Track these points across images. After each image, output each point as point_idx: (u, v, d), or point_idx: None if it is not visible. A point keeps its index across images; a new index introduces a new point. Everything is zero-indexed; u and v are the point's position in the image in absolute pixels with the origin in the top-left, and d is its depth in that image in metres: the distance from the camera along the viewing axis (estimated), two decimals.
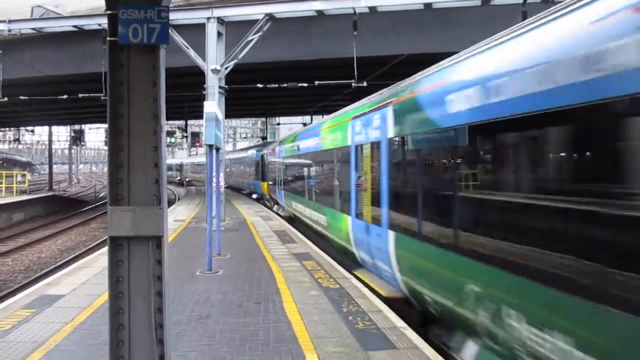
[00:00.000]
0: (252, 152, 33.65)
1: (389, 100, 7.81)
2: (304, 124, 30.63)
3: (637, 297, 2.99)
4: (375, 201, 8.28)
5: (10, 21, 19.35)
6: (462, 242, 5.25)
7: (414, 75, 7.38)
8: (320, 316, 6.87)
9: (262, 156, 28.46)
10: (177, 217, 19.98)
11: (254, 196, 32.51)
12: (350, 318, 6.76)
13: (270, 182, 25.58)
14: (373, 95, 9.58)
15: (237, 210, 23.16)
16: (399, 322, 6.57)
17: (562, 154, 4.07)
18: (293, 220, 18.71)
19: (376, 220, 8.24)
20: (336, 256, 11.44)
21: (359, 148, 9.49)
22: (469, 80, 5.24)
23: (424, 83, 6.59)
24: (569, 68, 3.65)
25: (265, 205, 26.87)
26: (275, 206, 24.51)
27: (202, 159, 49.57)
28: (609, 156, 3.44)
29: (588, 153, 3.76)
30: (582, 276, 3.50)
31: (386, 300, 7.63)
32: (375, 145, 8.38)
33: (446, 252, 5.60)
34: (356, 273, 9.57)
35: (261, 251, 12.18)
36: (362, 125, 9.27)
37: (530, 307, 4.10)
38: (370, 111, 8.80)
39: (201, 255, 10.44)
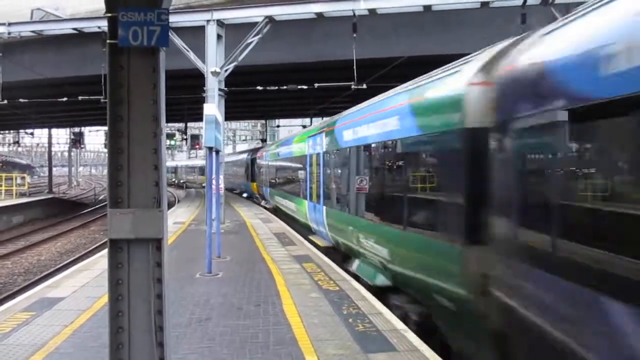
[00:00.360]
0: (242, 157, 36.90)
1: (322, 129, 13.37)
2: (304, 126, 31.03)
3: (399, 220, 7.25)
4: (317, 189, 13.53)
5: (10, 24, 19.37)
6: (349, 206, 10.30)
7: (340, 113, 12.59)
8: (320, 318, 6.86)
9: (252, 160, 32.37)
10: (177, 219, 19.97)
11: (244, 195, 35.70)
12: (350, 320, 6.75)
13: (258, 182, 30.27)
14: (322, 122, 15.66)
15: (236, 212, 23.15)
16: (399, 325, 6.57)
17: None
18: (277, 211, 23.02)
19: (317, 201, 13.45)
20: (335, 258, 11.45)
21: (311, 156, 14.59)
22: (349, 124, 10.55)
23: (337, 121, 11.98)
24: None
25: (254, 202, 30.56)
26: (263, 201, 28.57)
27: (195, 162, 58.49)
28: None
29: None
30: (390, 217, 7.81)
31: (323, 249, 12.66)
32: (317, 155, 13.70)
33: (343, 213, 10.80)
34: (311, 238, 14.31)
35: (261, 253, 12.17)
36: (312, 142, 14.53)
37: (373, 236, 8.58)
38: (315, 134, 14.25)
39: (201, 257, 10.44)
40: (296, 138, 17.93)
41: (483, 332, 5.01)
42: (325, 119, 14.21)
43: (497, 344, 4.74)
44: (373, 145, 8.89)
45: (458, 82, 5.67)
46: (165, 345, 3.35)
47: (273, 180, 23.44)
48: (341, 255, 11.38)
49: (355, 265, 9.82)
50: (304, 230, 15.79)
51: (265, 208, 25.62)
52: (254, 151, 33.59)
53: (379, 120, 8.31)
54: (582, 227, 3.57)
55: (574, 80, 3.62)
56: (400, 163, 7.53)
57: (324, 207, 12.56)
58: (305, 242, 14.12)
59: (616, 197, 3.34)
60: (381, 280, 8.23)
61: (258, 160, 29.84)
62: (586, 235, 3.49)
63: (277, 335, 6.20)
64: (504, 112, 4.62)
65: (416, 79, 7.47)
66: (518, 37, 5.28)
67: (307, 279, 9.31)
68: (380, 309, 7.33)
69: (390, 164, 8.15)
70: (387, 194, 8.25)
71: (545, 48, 4.22)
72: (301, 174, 16.03)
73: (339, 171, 11.47)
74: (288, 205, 18.92)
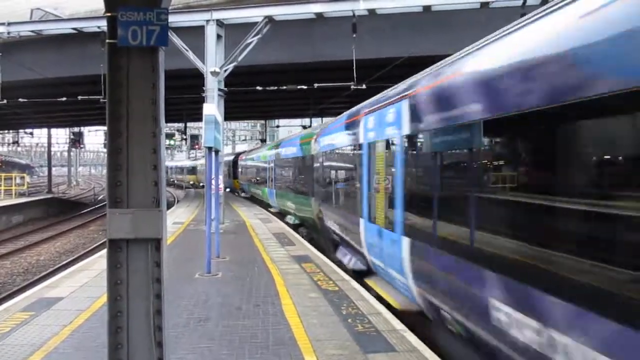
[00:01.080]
0: (226, 159, 41.47)
1: (271, 147, 25.47)
2: (304, 127, 31.32)
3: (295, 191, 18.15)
4: (274, 181, 23.07)
5: (9, 24, 19.35)
6: (298, 189, 17.77)
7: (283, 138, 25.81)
8: (320, 319, 6.86)
9: (235, 161, 41.14)
10: (176, 219, 19.96)
11: (227, 190, 40.36)
12: (349, 320, 6.75)
13: (239, 179, 39.75)
14: (275, 140, 31.06)
15: (236, 212, 23.15)
16: (399, 325, 6.57)
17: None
18: (253, 199, 32.41)
19: (271, 186, 24.02)
20: (334, 259, 11.47)
21: (269, 162, 24.63)
22: (283, 146, 21.72)
23: (280, 144, 23.32)
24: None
25: (236, 195, 39.42)
26: (242, 193, 38.47)
27: (184, 162, 66.44)
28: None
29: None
30: (296, 190, 18.06)
31: (292, 226, 18.03)
32: (272, 162, 24.13)
33: (285, 193, 20.57)
34: (270, 210, 23.86)
35: (260, 253, 12.17)
36: (268, 154, 25.44)
37: (290, 200, 19.13)
38: (269, 149, 26.00)
39: (200, 257, 10.43)
40: (262, 152, 28.72)
41: (318, 226, 14.16)
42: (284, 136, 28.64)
43: (321, 230, 13.72)
44: (287, 159, 20.30)
45: (313, 136, 15.34)
46: (164, 345, 3.35)
47: (250, 178, 33.66)
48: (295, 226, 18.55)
49: (287, 217, 20.12)
50: (265, 204, 26.82)
51: (246, 199, 34.60)
52: (236, 155, 43.01)
53: (285, 147, 20.88)
54: (330, 184, 12.29)
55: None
56: (294, 168, 18.93)
57: (275, 190, 23.18)
58: (305, 243, 14.12)
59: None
60: (294, 220, 18.80)
61: (240, 162, 39.17)
62: (327, 183, 12.59)
63: (276, 336, 6.20)
64: (319, 149, 13.79)
65: (297, 133, 19.76)
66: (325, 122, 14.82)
67: (306, 279, 9.31)
68: (380, 309, 7.33)
69: (291, 169, 19.74)
70: (294, 181, 18.88)
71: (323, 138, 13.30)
72: (265, 173, 26.08)
73: (281, 171, 22.10)
74: (259, 192, 29.23)
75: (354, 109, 10.54)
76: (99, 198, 44.18)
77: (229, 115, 29.89)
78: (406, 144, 6.72)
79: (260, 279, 9.41)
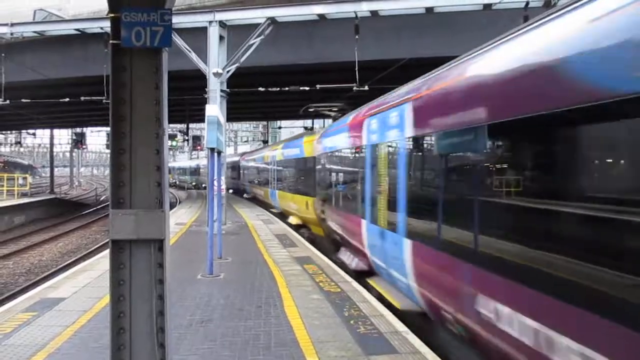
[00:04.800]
0: (231, 159, 44.78)
1: (274, 147, 27.48)
2: (305, 128, 31.50)
3: (294, 191, 19.41)
4: (272, 181, 24.54)
5: (12, 24, 19.40)
6: (281, 187, 21.77)
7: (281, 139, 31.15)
8: (322, 320, 6.85)
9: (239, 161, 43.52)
10: (178, 220, 19.97)
11: (230, 191, 43.84)
12: (351, 322, 6.74)
13: (241, 180, 41.81)
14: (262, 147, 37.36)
15: (238, 213, 23.15)
16: (401, 327, 6.55)
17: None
18: (254, 199, 33.36)
19: (273, 187, 24.09)
20: (337, 260, 11.43)
21: (261, 164, 29.10)
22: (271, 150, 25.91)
23: (263, 148, 32.95)
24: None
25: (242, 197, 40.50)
26: (244, 195, 39.92)
27: (185, 163, 67.96)
28: None
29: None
30: (290, 189, 20.13)
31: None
32: (261, 164, 28.95)
33: (278, 190, 22.74)
34: (271, 210, 24.63)
35: (262, 255, 12.16)
36: (254, 158, 33.32)
37: (292, 201, 19.47)
38: (256, 156, 32.35)
39: (202, 258, 10.43)
40: (264, 153, 29.66)
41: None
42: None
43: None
44: (277, 160, 23.42)
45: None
46: (166, 347, 3.34)
47: (252, 179, 35.64)
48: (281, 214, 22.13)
49: (290, 218, 20.20)
50: (266, 205, 26.95)
51: (248, 199, 34.99)
52: (241, 155, 45.28)
53: (281, 150, 22.70)
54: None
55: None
56: (289, 170, 20.90)
57: (277, 191, 23.18)
58: (307, 244, 14.11)
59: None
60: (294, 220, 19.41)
61: (242, 163, 40.76)
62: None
63: (278, 337, 6.19)
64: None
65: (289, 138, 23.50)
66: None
67: (308, 281, 9.30)
68: (382, 311, 7.31)
69: (283, 170, 22.07)
70: (288, 181, 20.98)
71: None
72: (267, 174, 27.26)
73: (283, 172, 22.54)
74: (259, 191, 30.73)
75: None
76: (101, 199, 44.24)
77: (231, 116, 29.99)
78: (276, 164, 18.36)
79: (262, 280, 9.40)
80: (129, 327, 3.33)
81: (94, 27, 18.85)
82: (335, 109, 16.53)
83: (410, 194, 6.65)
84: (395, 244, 7.09)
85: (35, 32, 19.99)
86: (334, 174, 12.50)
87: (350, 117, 11.13)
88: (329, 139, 13.05)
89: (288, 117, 44.21)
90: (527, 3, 14.43)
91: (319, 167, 14.57)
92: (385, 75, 16.73)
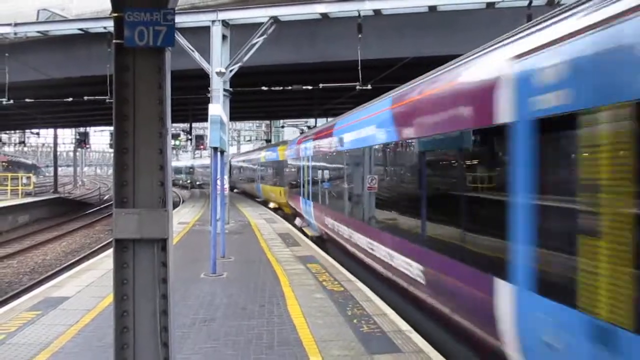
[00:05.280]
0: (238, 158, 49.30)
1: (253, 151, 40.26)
2: (309, 127, 31.59)
3: (272, 183, 27.74)
4: (258, 178, 32.72)
5: (16, 24, 19.44)
6: (275, 182, 26.60)
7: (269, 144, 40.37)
8: (325, 319, 6.85)
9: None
10: (181, 219, 20.00)
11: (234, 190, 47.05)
12: (354, 321, 6.74)
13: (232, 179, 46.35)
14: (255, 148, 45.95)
15: (241, 213, 23.18)
16: (404, 326, 6.55)
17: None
18: (245, 194, 39.57)
19: (259, 182, 32.06)
20: (340, 259, 11.46)
21: (254, 164, 35.23)
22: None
23: (250, 151, 45.60)
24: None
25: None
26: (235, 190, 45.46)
27: (180, 163, 69.56)
28: None
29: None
30: (274, 183, 26.93)
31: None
32: (253, 164, 35.94)
33: (267, 185, 29.39)
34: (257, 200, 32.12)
35: (265, 254, 12.17)
36: (245, 158, 42.33)
37: (270, 190, 28.02)
38: (251, 154, 41.25)
39: (205, 258, 10.44)
40: (253, 156, 36.93)
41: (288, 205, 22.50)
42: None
43: (289, 207, 22.06)
44: (261, 162, 31.69)
45: (285, 147, 24.35)
46: (170, 346, 3.35)
47: (240, 176, 42.46)
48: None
49: (262, 198, 30.33)
50: (254, 197, 32.66)
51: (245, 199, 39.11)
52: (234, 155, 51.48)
53: (264, 153, 31.19)
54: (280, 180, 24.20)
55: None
56: (268, 169, 29.17)
57: (261, 185, 30.69)
58: (310, 243, 14.12)
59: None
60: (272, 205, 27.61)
61: (232, 163, 45.87)
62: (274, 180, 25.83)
63: (281, 336, 6.20)
64: (285, 156, 23.24)
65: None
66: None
67: (311, 280, 9.30)
68: (385, 310, 7.31)
69: (265, 169, 30.34)
70: (267, 177, 28.90)
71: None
72: (253, 172, 34.79)
73: (267, 170, 29.12)
74: (247, 187, 37.92)
75: (302, 134, 21.98)
76: (105, 198, 44.33)
77: (234, 116, 29.97)
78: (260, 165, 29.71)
79: (265, 279, 9.41)
80: (132, 326, 3.34)
81: (97, 27, 18.88)
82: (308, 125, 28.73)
83: (314, 183, 14.88)
84: (308, 205, 15.64)
85: (38, 32, 20.03)
86: (292, 173, 20.53)
87: (297, 138, 20.66)
88: (289, 150, 21.61)
89: (291, 117, 44.27)
90: (531, 2, 14.38)
91: (286, 168, 22.82)
92: (389, 74, 16.72)
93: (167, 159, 3.35)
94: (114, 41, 3.34)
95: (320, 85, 19.39)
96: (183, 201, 35.42)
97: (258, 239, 14.89)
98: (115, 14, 3.33)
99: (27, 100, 23.77)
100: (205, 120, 10.87)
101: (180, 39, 16.67)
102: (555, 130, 3.76)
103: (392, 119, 7.76)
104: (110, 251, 3.68)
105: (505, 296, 4.26)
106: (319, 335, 6.19)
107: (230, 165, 43.17)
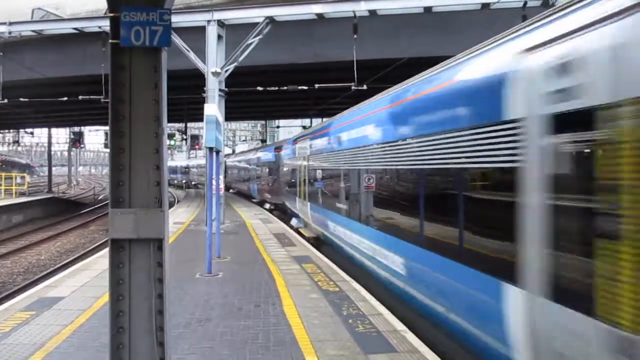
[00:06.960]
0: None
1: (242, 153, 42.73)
2: (304, 127, 31.59)
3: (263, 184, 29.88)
4: (250, 179, 34.44)
5: (10, 23, 19.37)
6: (269, 182, 27.66)
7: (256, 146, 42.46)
8: (320, 319, 6.86)
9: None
10: (177, 219, 19.96)
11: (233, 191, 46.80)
12: (350, 321, 6.75)
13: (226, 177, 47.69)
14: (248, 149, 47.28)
15: (236, 213, 23.16)
16: (399, 326, 6.57)
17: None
18: (238, 193, 40.84)
19: (253, 182, 33.18)
20: (336, 259, 11.46)
21: (246, 165, 37.12)
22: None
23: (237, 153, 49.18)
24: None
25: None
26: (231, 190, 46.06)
27: (175, 163, 70.24)
28: None
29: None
30: (268, 183, 27.81)
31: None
32: (247, 165, 36.65)
33: (254, 184, 32.84)
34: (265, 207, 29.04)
35: (261, 254, 12.17)
36: (239, 159, 42.76)
37: (263, 189, 29.51)
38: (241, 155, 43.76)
39: (201, 257, 10.43)
40: (245, 156, 38.95)
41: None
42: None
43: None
44: (251, 161, 33.74)
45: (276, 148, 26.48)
46: (165, 345, 3.35)
47: (234, 177, 42.63)
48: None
49: (257, 199, 31.25)
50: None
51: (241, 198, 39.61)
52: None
53: (264, 152, 30.35)
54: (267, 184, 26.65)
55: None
56: (259, 171, 30.75)
57: (256, 186, 31.07)
58: (305, 243, 14.13)
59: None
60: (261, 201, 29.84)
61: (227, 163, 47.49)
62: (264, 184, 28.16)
63: (277, 336, 6.20)
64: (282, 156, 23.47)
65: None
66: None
67: (307, 280, 9.31)
68: (381, 309, 7.33)
69: (252, 170, 33.58)
70: (259, 178, 30.53)
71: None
72: (248, 172, 35.56)
73: (261, 171, 29.91)
74: (241, 186, 38.55)
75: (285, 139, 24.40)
76: (99, 198, 44.19)
77: (230, 116, 29.98)
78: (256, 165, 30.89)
79: (260, 279, 9.41)
80: (128, 326, 3.33)
81: (92, 26, 18.84)
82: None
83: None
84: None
85: (33, 30, 19.96)
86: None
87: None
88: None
89: (287, 117, 44.26)
90: (525, 3, 14.47)
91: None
92: (384, 74, 16.75)
93: (163, 158, 3.35)
94: (110, 41, 3.33)
95: (316, 85, 19.41)
96: (178, 201, 35.34)
97: (253, 239, 14.89)
98: (112, 14, 3.33)
99: (21, 99, 23.67)
100: (201, 120, 10.85)
101: (175, 38, 16.64)
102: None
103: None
104: (105, 251, 3.68)
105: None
106: (314, 335, 6.20)
107: (226, 166, 43.42)
